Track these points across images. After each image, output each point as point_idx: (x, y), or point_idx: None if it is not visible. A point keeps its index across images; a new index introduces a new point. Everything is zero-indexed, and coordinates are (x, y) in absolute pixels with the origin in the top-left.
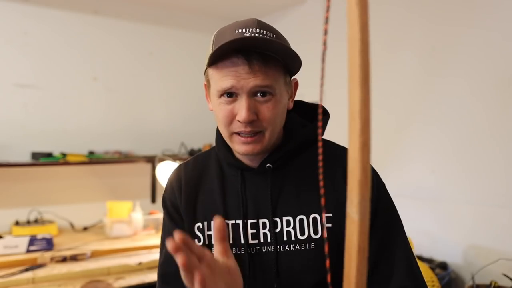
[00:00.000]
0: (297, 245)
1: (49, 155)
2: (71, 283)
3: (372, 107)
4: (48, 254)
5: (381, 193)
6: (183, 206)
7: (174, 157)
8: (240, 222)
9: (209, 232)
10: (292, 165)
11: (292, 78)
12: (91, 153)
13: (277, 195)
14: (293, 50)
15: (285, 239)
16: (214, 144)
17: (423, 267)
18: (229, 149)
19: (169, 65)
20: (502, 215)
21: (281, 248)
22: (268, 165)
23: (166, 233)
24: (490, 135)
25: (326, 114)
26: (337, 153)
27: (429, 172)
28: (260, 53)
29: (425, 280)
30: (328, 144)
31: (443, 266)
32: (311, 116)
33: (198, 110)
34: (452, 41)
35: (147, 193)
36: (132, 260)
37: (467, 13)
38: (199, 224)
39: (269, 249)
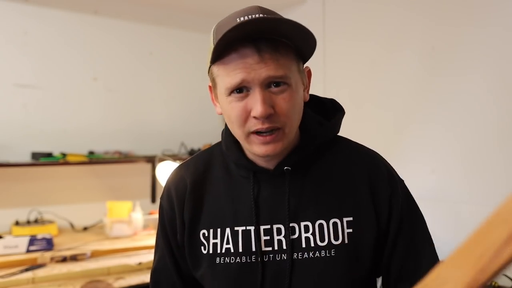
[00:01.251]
0: (317, 252)
1: (49, 155)
2: (71, 283)
3: (372, 107)
4: (48, 254)
5: (402, 190)
6: (187, 212)
7: (174, 157)
8: (252, 228)
9: (214, 241)
10: (311, 167)
11: (304, 66)
12: (91, 153)
13: (295, 199)
14: (305, 27)
15: (303, 245)
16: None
17: None
18: (239, 149)
19: (169, 65)
20: None
21: (299, 255)
22: (286, 167)
23: (159, 240)
24: (490, 135)
25: (341, 110)
26: (358, 154)
27: (429, 172)
28: (269, 38)
29: None
30: (349, 143)
31: None
32: (324, 111)
33: (198, 110)
34: (452, 41)
35: (147, 193)
36: (132, 260)
37: (467, 12)
38: (204, 231)
39: (284, 257)
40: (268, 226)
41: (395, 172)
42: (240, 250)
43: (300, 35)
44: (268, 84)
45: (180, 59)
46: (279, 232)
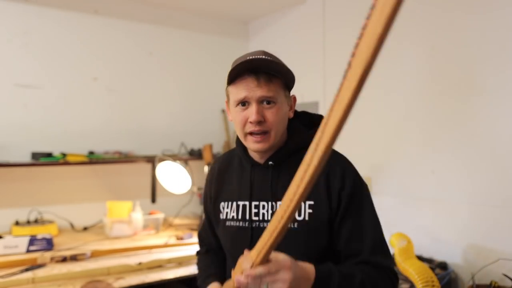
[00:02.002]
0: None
1: (49, 155)
2: (71, 283)
3: (372, 107)
4: (48, 254)
5: (352, 186)
6: (213, 189)
7: (174, 157)
8: (247, 203)
9: (227, 210)
10: (289, 162)
11: (291, 94)
12: (91, 153)
13: (275, 185)
14: (290, 71)
15: None
16: (223, 145)
17: (423, 267)
18: (244, 149)
19: (169, 65)
20: (502, 215)
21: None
22: (270, 162)
23: (203, 212)
24: (490, 135)
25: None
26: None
27: (429, 172)
28: (266, 72)
29: (425, 280)
30: None
31: (443, 266)
32: (312, 123)
33: (198, 110)
34: (453, 39)
35: (147, 193)
36: (132, 260)
37: (467, 13)
38: (223, 203)
39: (265, 225)
40: (257, 202)
41: (353, 173)
42: (240, 217)
43: (287, 74)
44: (262, 101)
45: (180, 59)
46: (263, 207)
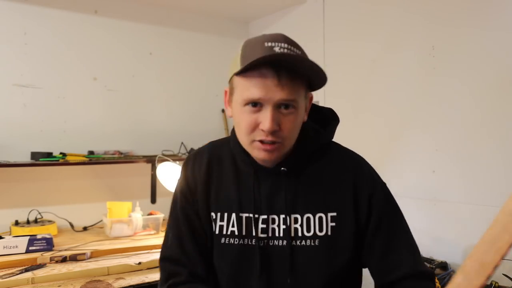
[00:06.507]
0: (303, 241)
1: (49, 155)
2: (71, 283)
3: (372, 108)
4: (47, 254)
5: (381, 190)
6: (201, 190)
7: (174, 157)
8: (251, 215)
9: (221, 223)
10: (304, 169)
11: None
12: (91, 153)
13: (289, 195)
14: (319, 68)
15: (292, 234)
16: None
17: None
18: (245, 149)
19: (169, 65)
20: None
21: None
22: (282, 168)
23: (176, 221)
24: (490, 135)
25: (336, 119)
26: (347, 159)
27: (429, 172)
28: (289, 68)
29: None
30: (340, 149)
31: (443, 266)
32: (322, 119)
33: (198, 110)
34: (452, 41)
35: (147, 193)
36: (132, 260)
37: (467, 13)
38: (213, 214)
39: (276, 242)
40: (265, 216)
41: (378, 176)
42: (243, 233)
43: (314, 72)
44: (279, 105)
45: (180, 59)
46: (273, 221)
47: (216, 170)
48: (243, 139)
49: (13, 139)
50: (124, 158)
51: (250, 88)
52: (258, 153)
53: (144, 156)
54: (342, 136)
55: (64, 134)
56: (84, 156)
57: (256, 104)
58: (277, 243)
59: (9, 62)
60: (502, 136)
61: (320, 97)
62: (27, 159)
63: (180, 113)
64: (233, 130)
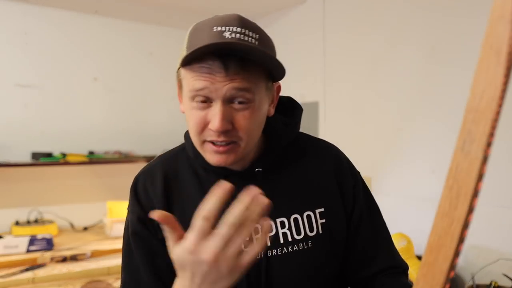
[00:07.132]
0: (295, 245)
1: (49, 155)
2: (71, 283)
3: (372, 106)
4: (48, 254)
5: (361, 181)
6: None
7: None
8: None
9: None
10: (280, 166)
11: (275, 83)
12: (91, 153)
13: (268, 198)
14: (276, 59)
15: (281, 241)
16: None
17: None
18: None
19: (169, 65)
20: (502, 215)
21: (278, 251)
22: (257, 169)
23: (128, 254)
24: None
25: (299, 108)
26: (322, 149)
27: (429, 172)
28: (240, 57)
29: None
30: (310, 139)
31: None
32: (283, 109)
33: None
34: (453, 39)
35: None
36: None
37: (468, 12)
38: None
39: (261, 254)
40: None
41: (352, 164)
42: None
43: (271, 62)
44: (231, 100)
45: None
46: (256, 231)
47: (174, 187)
48: (194, 140)
49: (13, 139)
50: (124, 158)
51: (194, 77)
52: (210, 157)
53: (144, 156)
54: (342, 135)
55: (64, 134)
56: (84, 156)
57: (205, 100)
58: (269, 254)
59: (10, 62)
60: (503, 135)
61: (320, 97)
62: (27, 159)
63: (180, 113)
64: (187, 136)
